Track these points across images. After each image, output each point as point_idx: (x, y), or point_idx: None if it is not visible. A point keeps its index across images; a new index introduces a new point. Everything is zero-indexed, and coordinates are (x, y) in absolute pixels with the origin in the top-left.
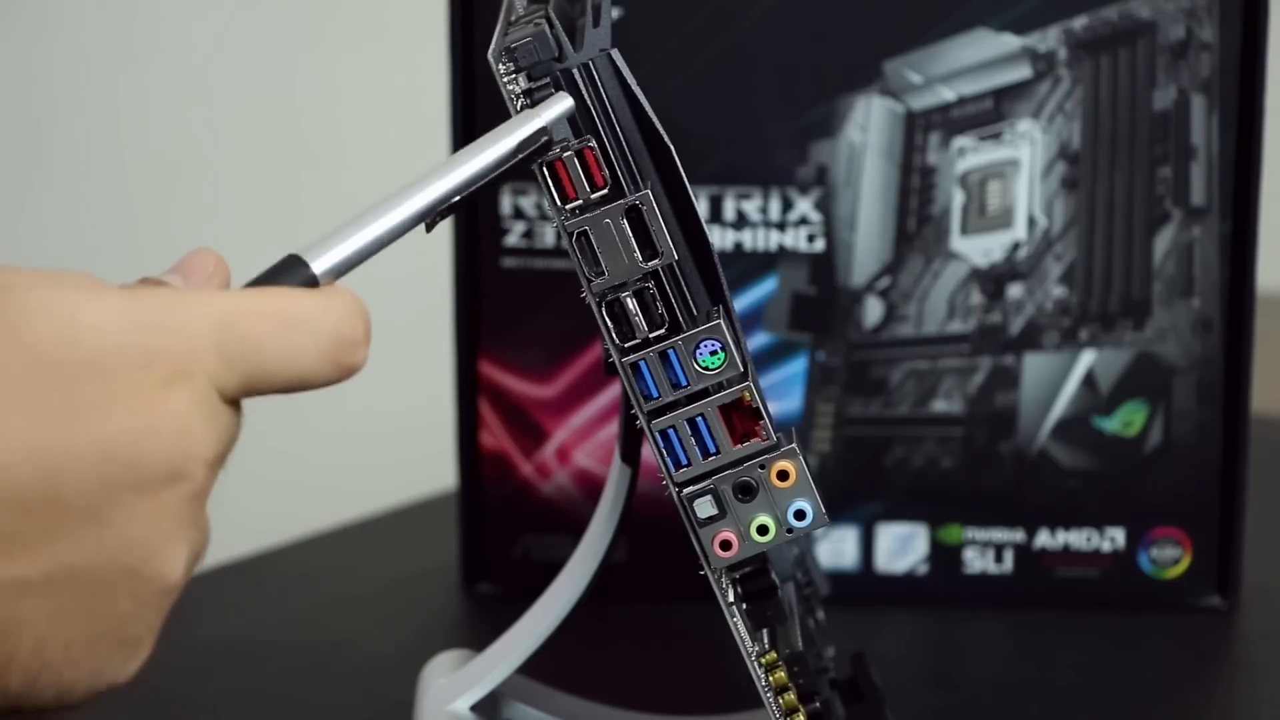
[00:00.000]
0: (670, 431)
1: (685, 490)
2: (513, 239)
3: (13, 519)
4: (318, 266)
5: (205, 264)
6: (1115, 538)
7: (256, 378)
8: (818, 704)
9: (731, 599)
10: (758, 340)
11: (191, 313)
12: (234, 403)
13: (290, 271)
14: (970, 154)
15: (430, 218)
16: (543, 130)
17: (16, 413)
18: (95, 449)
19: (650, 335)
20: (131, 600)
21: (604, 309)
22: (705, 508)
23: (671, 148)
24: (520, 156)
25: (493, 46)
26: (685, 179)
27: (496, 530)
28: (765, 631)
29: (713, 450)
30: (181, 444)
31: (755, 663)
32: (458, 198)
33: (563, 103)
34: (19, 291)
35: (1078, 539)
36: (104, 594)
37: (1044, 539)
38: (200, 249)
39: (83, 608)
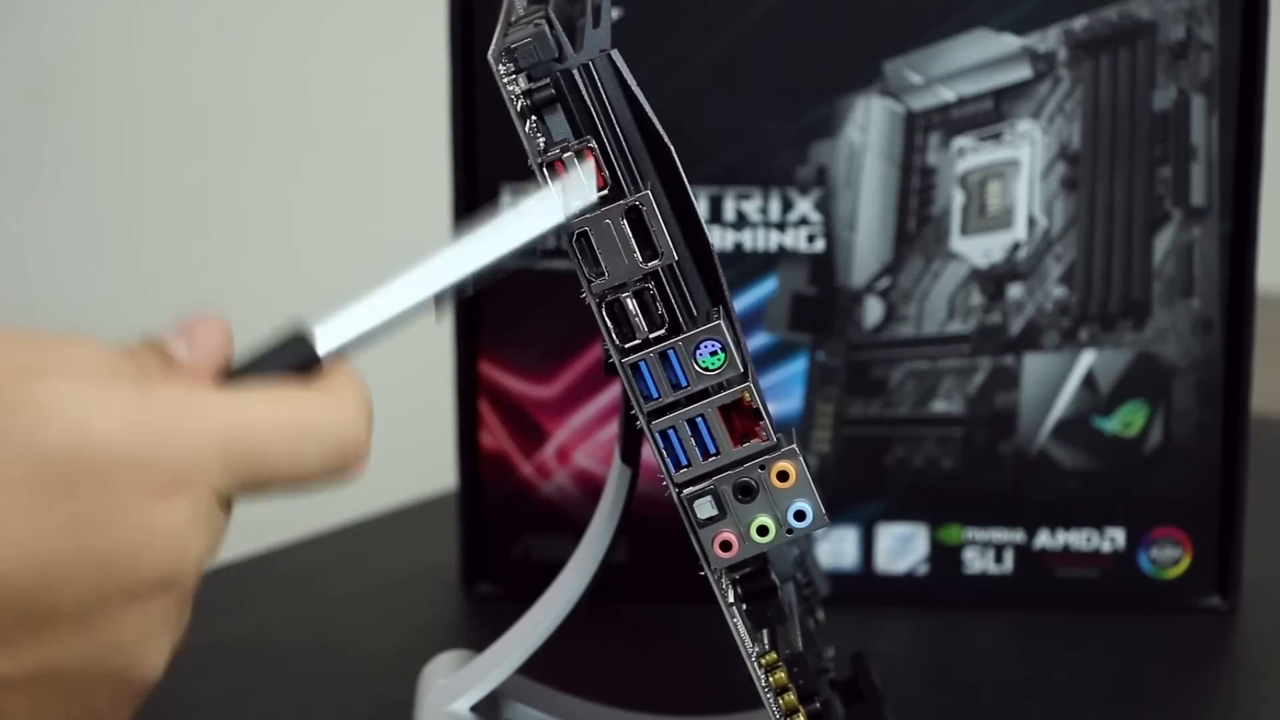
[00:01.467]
0: (670, 432)
1: (685, 491)
2: None
3: (6, 621)
4: (322, 348)
5: (211, 335)
6: (1115, 538)
7: (256, 484)
8: (818, 704)
9: (731, 599)
10: (758, 340)
11: (199, 423)
12: (228, 503)
13: (294, 349)
14: (970, 154)
15: (440, 304)
16: (561, 227)
17: (20, 519)
18: (93, 560)
19: (650, 336)
20: (110, 699)
21: (604, 309)
22: (705, 508)
23: (671, 148)
24: (544, 242)
25: (493, 47)
26: (685, 179)
27: (496, 530)
28: (765, 632)
29: (713, 451)
30: (177, 554)
31: (755, 663)
32: (470, 285)
33: (586, 196)
34: (35, 386)
35: (1078, 539)
36: (84, 694)
37: (1044, 539)
38: (205, 315)
39: (63, 705)
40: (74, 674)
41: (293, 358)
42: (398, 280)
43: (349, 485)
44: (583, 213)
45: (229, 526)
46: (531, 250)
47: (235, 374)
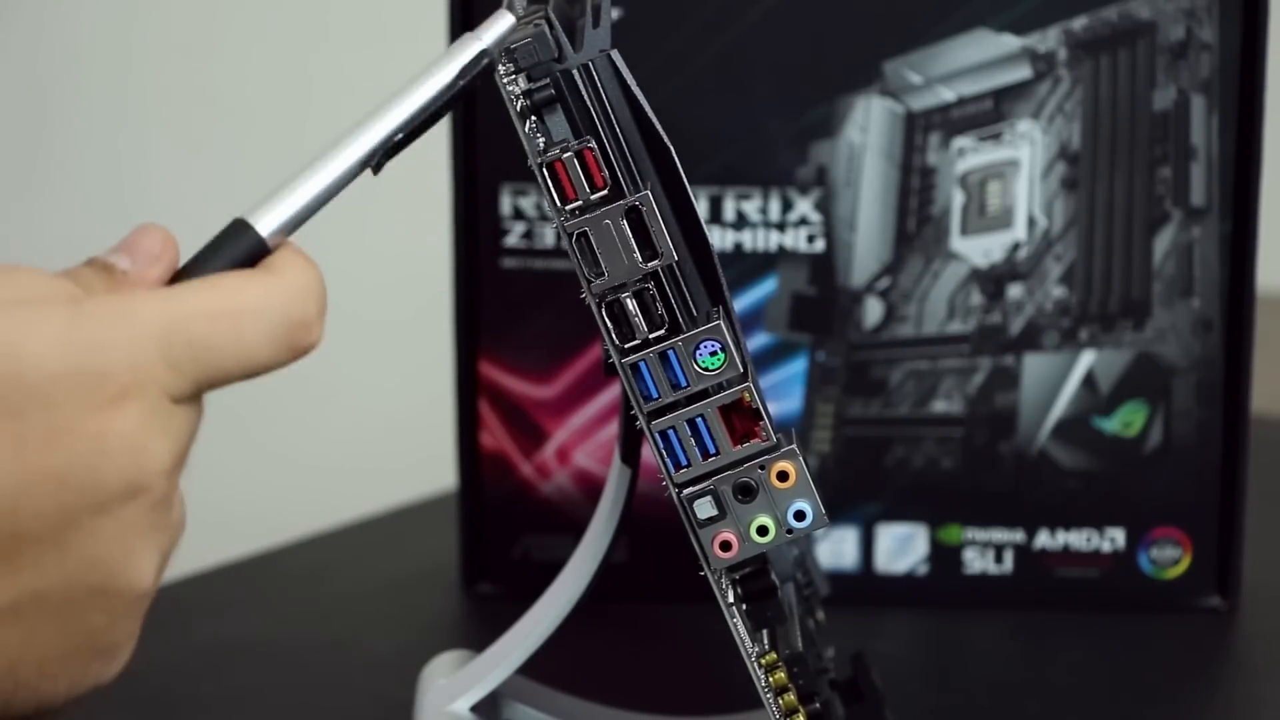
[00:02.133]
0: (670, 432)
1: (685, 491)
2: (513, 239)
3: None
4: (264, 228)
5: (153, 243)
6: (1115, 538)
7: (208, 377)
8: (818, 704)
9: (731, 599)
10: (758, 340)
11: (134, 325)
12: (191, 399)
13: (236, 239)
14: (970, 154)
15: (376, 160)
16: (484, 53)
17: None
18: (50, 479)
19: (650, 336)
20: (104, 614)
21: (604, 310)
22: (705, 508)
23: (671, 148)
24: (463, 84)
25: None
26: (685, 179)
27: (496, 530)
28: (765, 632)
29: (712, 451)
30: (136, 460)
31: (755, 663)
32: (402, 135)
33: (503, 20)
34: None
35: (1078, 539)
36: (73, 613)
37: (1044, 539)
38: (147, 226)
39: (54, 628)
40: (57, 595)
41: (237, 249)
42: (331, 148)
43: (303, 358)
44: (501, 40)
45: (198, 424)
46: (457, 93)
47: (180, 275)
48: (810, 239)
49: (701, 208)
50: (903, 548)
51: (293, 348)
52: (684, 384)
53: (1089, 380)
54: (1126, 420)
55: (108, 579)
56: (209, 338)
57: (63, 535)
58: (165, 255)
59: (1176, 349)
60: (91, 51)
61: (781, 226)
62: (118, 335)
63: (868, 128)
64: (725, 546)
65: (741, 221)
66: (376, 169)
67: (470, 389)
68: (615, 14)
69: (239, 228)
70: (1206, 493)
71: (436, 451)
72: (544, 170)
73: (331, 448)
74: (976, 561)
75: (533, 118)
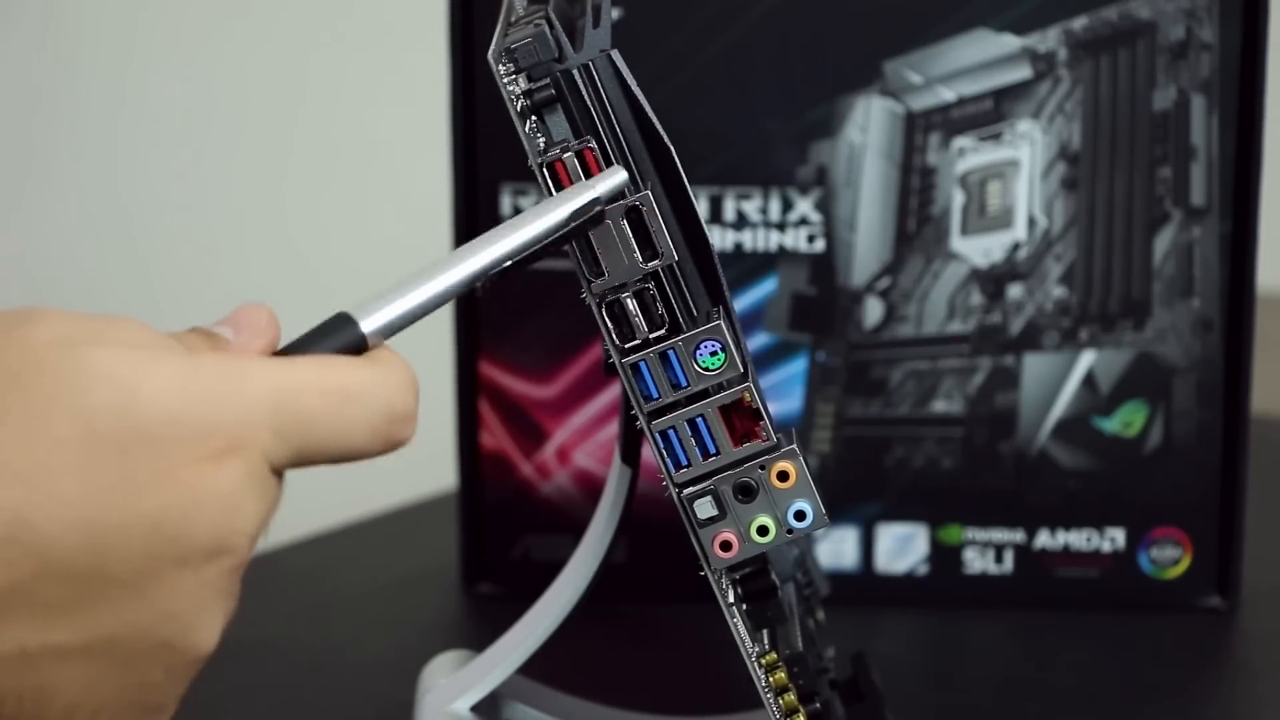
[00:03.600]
0: (670, 432)
1: (685, 491)
2: None
3: (58, 587)
4: (367, 326)
5: (258, 320)
6: (1115, 538)
7: (307, 451)
8: (818, 704)
9: (731, 599)
10: (758, 340)
11: (250, 387)
12: (279, 472)
13: (339, 331)
14: (970, 154)
15: (480, 282)
16: (595, 201)
17: (71, 481)
18: (145, 523)
19: (650, 336)
20: (164, 671)
21: (604, 310)
22: (705, 508)
23: (671, 148)
24: (572, 225)
25: (493, 47)
26: (685, 179)
27: (496, 530)
28: (765, 632)
29: (713, 451)
30: (229, 519)
31: (755, 663)
32: (509, 263)
33: (617, 176)
34: (83, 351)
35: (1078, 539)
36: (139, 664)
37: (1044, 539)
38: (252, 304)
39: (117, 677)
40: (127, 643)
41: (338, 340)
42: (439, 263)
43: (395, 451)
44: (613, 193)
45: (281, 498)
46: (565, 235)
47: (280, 355)
48: (810, 239)
49: (701, 208)
50: (903, 548)
51: (388, 438)
52: (684, 384)
53: (1089, 380)
54: (1126, 420)
55: (177, 635)
56: (316, 413)
57: (145, 583)
58: (269, 331)
59: (1176, 349)
60: (91, 52)
61: (781, 226)
62: (231, 392)
63: (868, 128)
64: (725, 546)
65: (741, 221)
66: (480, 290)
67: (470, 389)
68: (615, 14)
69: (343, 320)
70: (1206, 493)
71: (436, 451)
72: (544, 170)
73: None
74: (976, 561)
75: (533, 118)
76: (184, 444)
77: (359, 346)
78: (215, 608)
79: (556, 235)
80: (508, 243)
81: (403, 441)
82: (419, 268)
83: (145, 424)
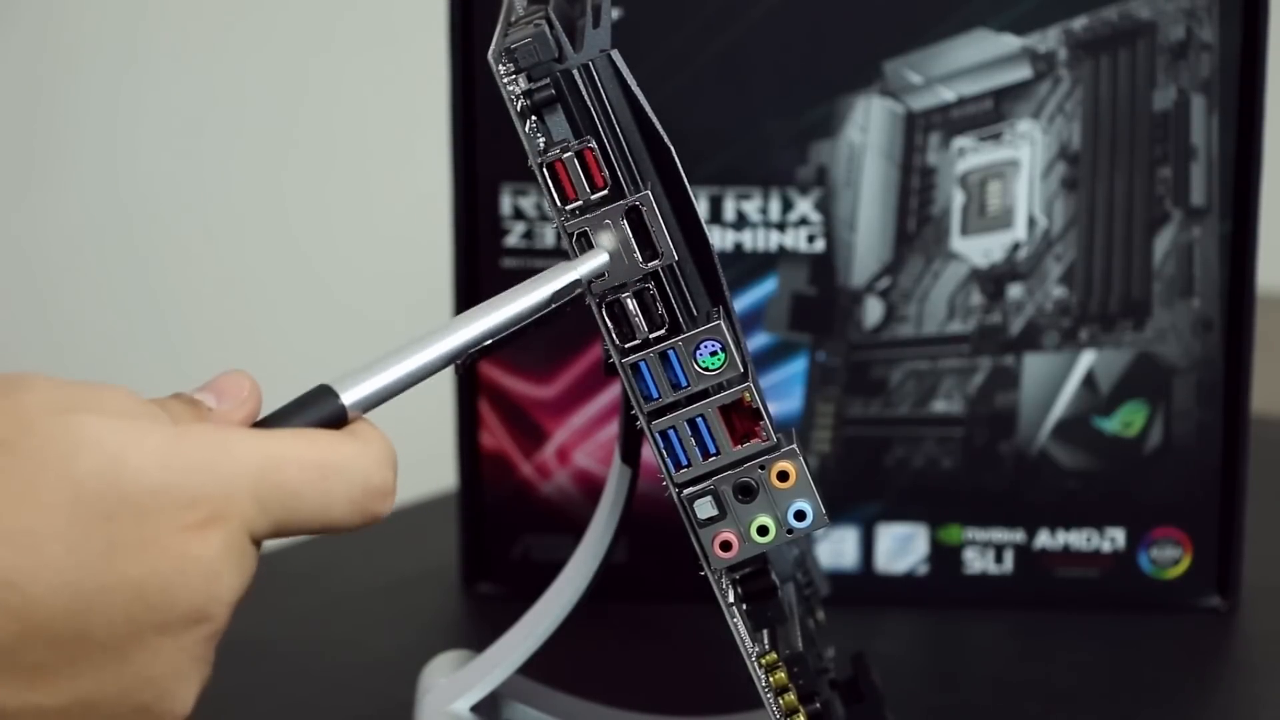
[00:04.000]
0: (670, 432)
1: (685, 491)
2: (513, 239)
3: (41, 649)
4: (347, 399)
5: (240, 388)
6: (1115, 538)
7: (287, 523)
8: (818, 704)
9: (732, 599)
10: (758, 340)
11: (233, 458)
12: (258, 542)
13: (320, 402)
14: (970, 154)
15: (461, 360)
16: (576, 283)
17: (57, 546)
18: (128, 589)
19: (650, 336)
20: None
21: (604, 310)
22: (705, 508)
23: (671, 148)
24: (554, 306)
25: (493, 47)
26: (685, 179)
27: (496, 530)
28: (765, 632)
29: (713, 451)
30: (209, 587)
31: (755, 663)
32: (490, 341)
33: (598, 258)
34: (71, 419)
35: (1078, 539)
36: None
37: (1044, 539)
38: (234, 371)
39: None
40: (106, 706)
41: (319, 412)
42: (420, 339)
43: (372, 524)
44: (594, 274)
45: (257, 567)
46: (550, 313)
47: (263, 424)
48: (810, 239)
49: (701, 208)
50: (903, 548)
51: (366, 512)
52: (684, 384)
53: (1089, 380)
54: (1126, 420)
55: (155, 700)
56: (298, 485)
57: (125, 648)
58: (250, 401)
59: (1176, 349)
60: (91, 52)
61: (781, 226)
62: (215, 463)
63: (868, 128)
64: (725, 546)
65: (741, 221)
66: (459, 369)
67: (470, 389)
68: (615, 14)
69: (324, 392)
70: (1206, 493)
71: (436, 451)
72: (544, 170)
73: None
74: (976, 561)
75: (533, 118)
76: (169, 513)
77: (339, 419)
78: (192, 674)
79: (539, 314)
80: (488, 321)
81: (380, 515)
82: (400, 344)
83: (132, 492)
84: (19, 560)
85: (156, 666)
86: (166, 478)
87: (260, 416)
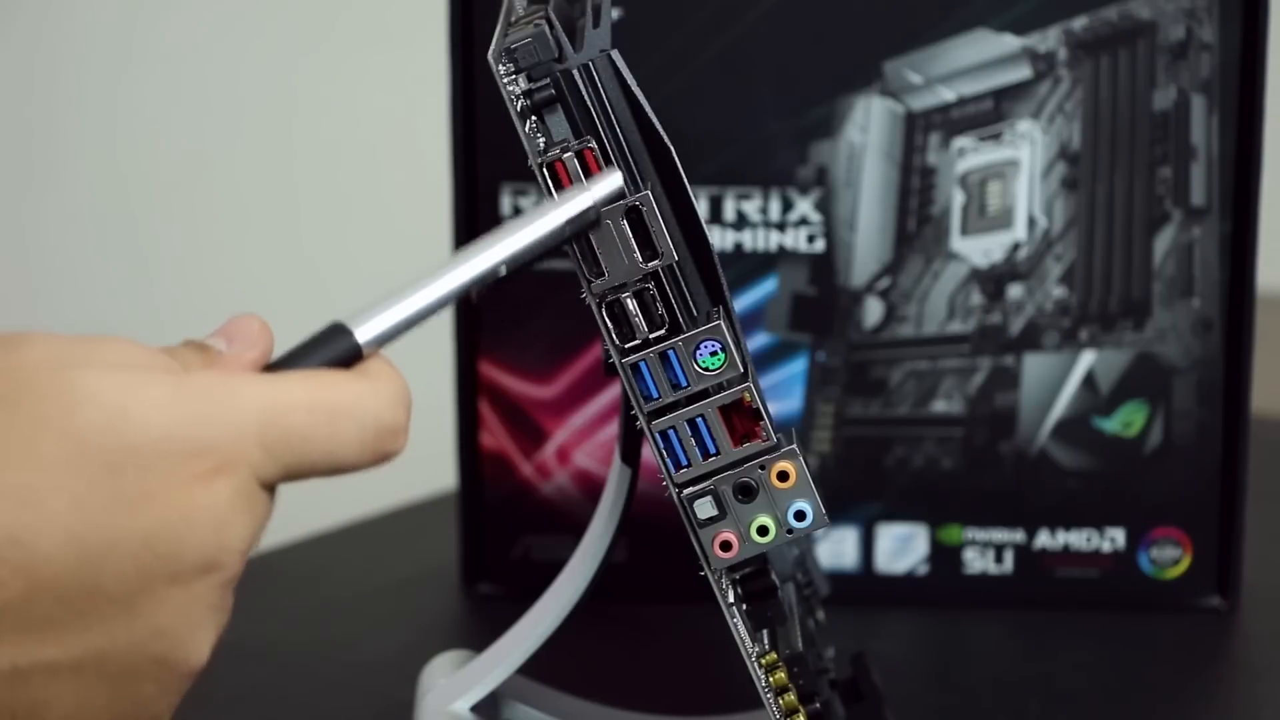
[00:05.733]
0: (670, 432)
1: (685, 491)
2: None
3: (49, 605)
4: (361, 336)
5: (250, 330)
6: (1115, 538)
7: (297, 467)
8: (818, 704)
9: (731, 600)
10: (758, 341)
11: (238, 405)
12: (270, 487)
13: (333, 341)
14: (970, 154)
15: (475, 289)
16: (592, 208)
17: (61, 500)
18: (135, 540)
19: (650, 336)
20: (156, 685)
21: (604, 310)
22: (705, 508)
23: (671, 148)
24: (569, 233)
25: (493, 47)
26: (685, 179)
27: (496, 530)
28: (765, 632)
29: (713, 451)
30: (218, 536)
31: (755, 663)
32: (504, 271)
33: (613, 178)
34: (72, 374)
35: (1078, 539)
36: (130, 679)
37: (1044, 539)
38: (244, 315)
39: (108, 692)
40: (119, 659)
41: (333, 350)
42: (433, 271)
43: (386, 464)
44: (610, 197)
45: (271, 513)
46: (560, 241)
47: (275, 366)
48: (810, 239)
49: (701, 208)
50: (903, 548)
51: (378, 452)
52: (684, 384)
53: (1089, 380)
54: (1126, 420)
55: (169, 650)
56: (305, 429)
57: (136, 600)
58: (261, 342)
59: (1176, 349)
60: (91, 52)
61: (781, 226)
62: (221, 412)
63: (868, 128)
64: (725, 546)
65: (741, 221)
66: (476, 297)
67: (470, 389)
68: (615, 14)
69: (337, 331)
70: (1206, 493)
71: (436, 451)
72: (544, 170)
73: None
74: (976, 561)
75: (533, 118)
76: (174, 462)
77: (354, 356)
78: (207, 623)
79: (554, 241)
80: (503, 248)
81: (393, 454)
82: (413, 275)
83: (136, 443)
84: (24, 516)
85: (168, 616)
86: (170, 428)
87: (272, 357)
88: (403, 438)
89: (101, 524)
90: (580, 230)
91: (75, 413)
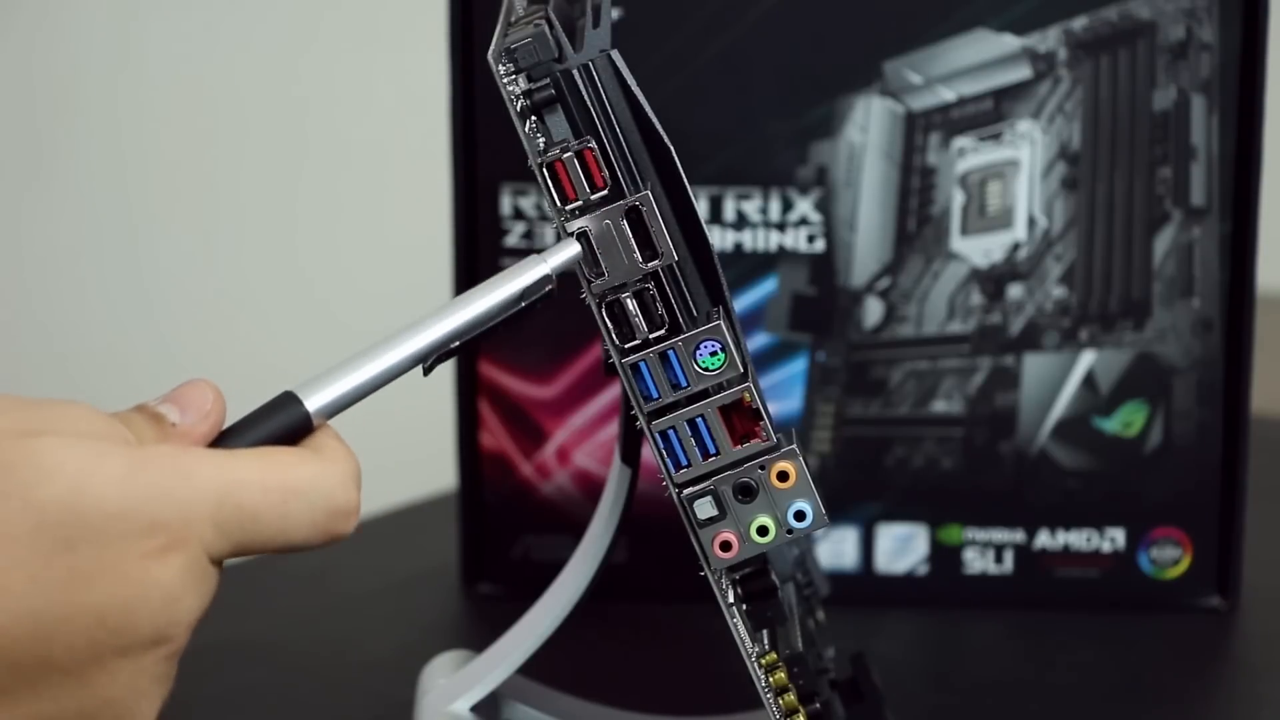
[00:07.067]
0: (670, 432)
1: (685, 491)
2: (513, 239)
3: (2, 674)
4: (311, 405)
5: (203, 400)
6: (1115, 538)
7: (248, 544)
8: (818, 705)
9: (731, 600)
10: (758, 340)
11: (192, 483)
12: (219, 562)
13: (283, 410)
14: (970, 154)
15: (429, 360)
16: (547, 278)
17: (18, 573)
18: (89, 615)
19: (650, 336)
20: None
21: (604, 310)
22: (705, 508)
23: (671, 148)
24: (523, 304)
25: (493, 47)
26: (685, 179)
27: (496, 530)
28: (765, 632)
29: (713, 451)
30: (169, 611)
31: (755, 663)
32: (458, 342)
33: (569, 249)
34: (36, 443)
35: (1078, 539)
36: None
37: (1044, 539)
38: (197, 381)
39: None
40: None
41: (283, 420)
42: (387, 341)
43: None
44: (565, 267)
45: (217, 586)
46: (518, 310)
47: (227, 435)
48: (810, 239)
49: (701, 208)
50: (903, 548)
51: (328, 532)
52: (684, 384)
53: (1089, 380)
54: (1126, 420)
55: (116, 719)
56: (258, 509)
57: (86, 671)
58: (214, 413)
59: (1176, 349)
60: (91, 52)
61: (781, 226)
62: (175, 489)
63: (868, 128)
64: (725, 546)
65: (741, 221)
66: (427, 370)
67: (470, 389)
68: (615, 14)
69: (288, 400)
70: (1206, 493)
71: (436, 451)
72: (544, 170)
73: None
74: (976, 561)
75: (533, 118)
76: (129, 539)
77: (304, 426)
78: (152, 693)
79: (508, 311)
80: (455, 320)
81: (343, 535)
82: (364, 346)
83: (93, 519)
84: None
85: (117, 688)
86: (126, 504)
87: (225, 425)
88: (353, 518)
89: (57, 599)
90: (536, 300)
91: (37, 485)
